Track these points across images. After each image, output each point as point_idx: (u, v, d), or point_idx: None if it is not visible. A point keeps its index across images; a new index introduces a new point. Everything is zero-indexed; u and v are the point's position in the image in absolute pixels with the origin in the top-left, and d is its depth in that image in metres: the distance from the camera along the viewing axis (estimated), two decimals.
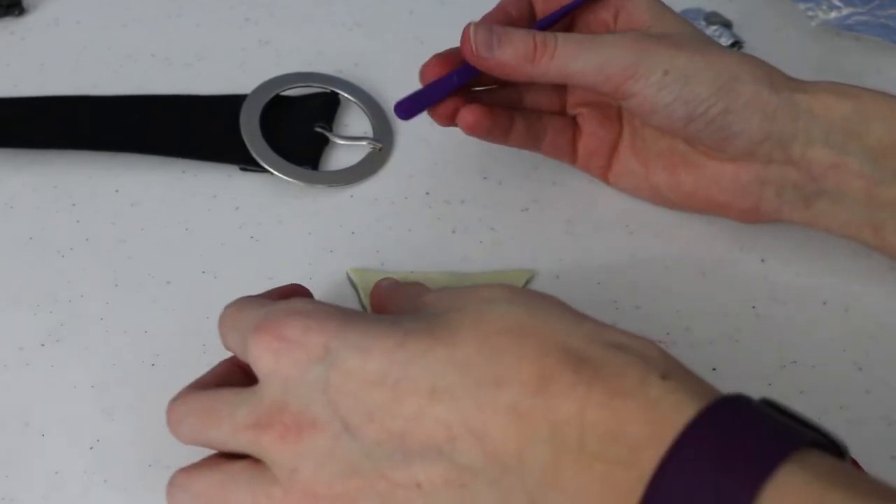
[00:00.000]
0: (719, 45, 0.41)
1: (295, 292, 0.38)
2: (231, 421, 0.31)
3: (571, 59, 0.39)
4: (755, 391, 0.40)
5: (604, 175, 0.45)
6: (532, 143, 0.44)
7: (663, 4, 0.42)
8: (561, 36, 0.39)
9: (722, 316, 0.43)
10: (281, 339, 0.30)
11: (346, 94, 0.49)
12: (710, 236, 0.45)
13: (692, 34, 0.41)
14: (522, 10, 0.43)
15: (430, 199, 0.46)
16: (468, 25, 0.40)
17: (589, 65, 0.39)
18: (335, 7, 0.54)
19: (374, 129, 0.49)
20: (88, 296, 0.42)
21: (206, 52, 0.51)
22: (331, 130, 0.48)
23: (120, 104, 0.48)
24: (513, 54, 0.39)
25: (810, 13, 0.53)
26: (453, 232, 0.45)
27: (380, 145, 0.48)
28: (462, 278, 0.42)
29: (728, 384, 0.41)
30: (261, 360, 0.31)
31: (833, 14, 0.53)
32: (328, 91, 0.49)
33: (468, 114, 0.41)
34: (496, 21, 0.41)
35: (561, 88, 0.45)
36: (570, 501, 0.27)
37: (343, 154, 0.48)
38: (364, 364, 0.29)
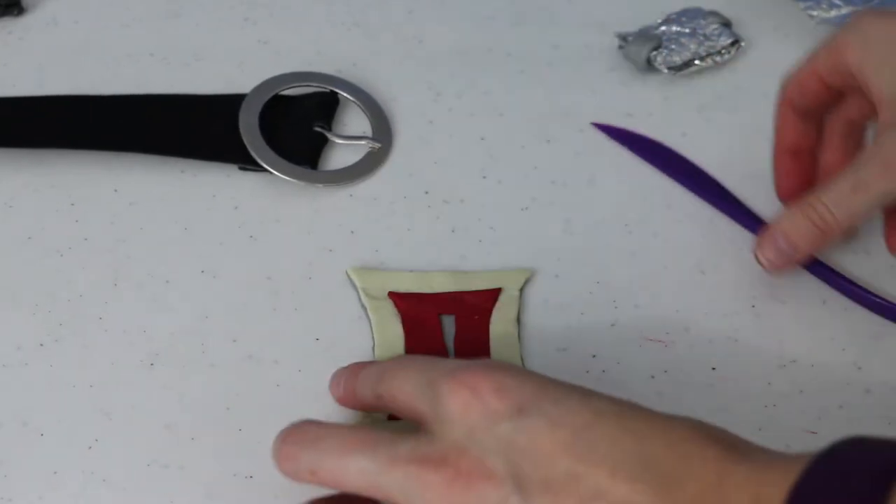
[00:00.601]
0: None
1: None
2: (390, 451, 0.30)
3: (854, 210, 0.39)
4: (755, 391, 0.41)
5: None
6: None
7: (884, 45, 0.39)
8: (826, 196, 0.39)
9: (721, 315, 0.43)
10: (476, 392, 0.30)
11: (345, 94, 0.49)
12: (710, 236, 0.45)
13: None
14: (807, 133, 0.44)
15: (429, 199, 0.46)
16: (755, 249, 0.42)
17: (871, 207, 0.39)
18: (334, 7, 0.54)
19: (373, 128, 0.48)
20: (87, 295, 0.42)
21: (205, 52, 0.51)
22: (330, 130, 0.48)
23: (119, 104, 0.48)
24: (807, 243, 0.40)
25: (810, 12, 0.53)
26: (453, 231, 0.45)
27: (379, 145, 0.48)
28: (462, 277, 0.42)
29: (728, 384, 0.41)
30: (450, 405, 0.30)
31: (833, 12, 0.52)
32: (327, 90, 0.49)
33: None
34: (790, 174, 0.44)
35: None
36: None
37: (342, 153, 0.48)
38: (552, 433, 0.29)
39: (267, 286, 0.43)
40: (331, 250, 0.44)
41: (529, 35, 0.53)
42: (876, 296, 0.43)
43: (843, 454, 0.28)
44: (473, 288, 0.42)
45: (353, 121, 0.49)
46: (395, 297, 0.41)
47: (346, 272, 0.42)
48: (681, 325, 0.42)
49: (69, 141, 0.46)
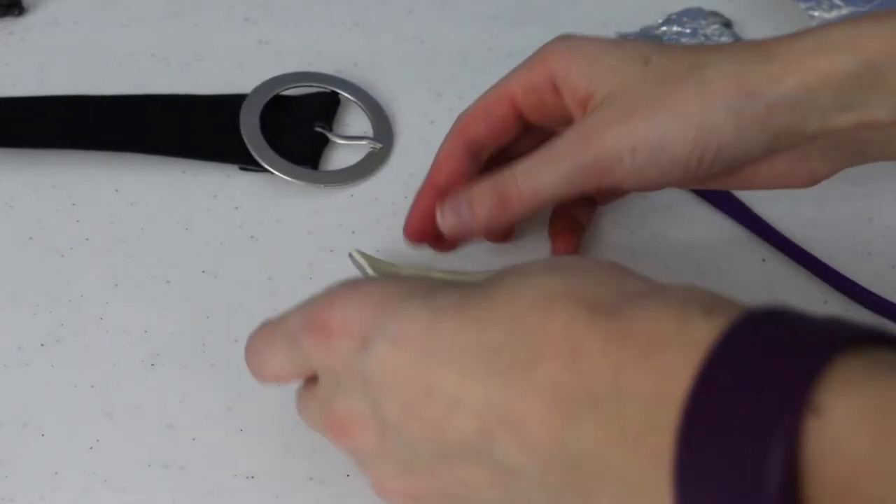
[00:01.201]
0: (669, 70, 0.35)
1: None
2: (309, 416, 0.34)
3: (538, 188, 0.36)
4: None
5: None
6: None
7: (592, 50, 0.37)
8: (517, 168, 0.37)
9: None
10: (327, 332, 0.30)
11: (345, 94, 0.49)
12: (710, 236, 0.45)
13: (636, 74, 0.35)
14: (468, 172, 0.40)
15: None
16: (436, 210, 0.39)
17: (558, 185, 0.36)
18: (335, 7, 0.54)
19: (373, 128, 0.49)
20: (88, 296, 0.42)
21: (206, 52, 0.51)
22: (331, 130, 0.48)
23: (120, 104, 0.48)
24: (486, 211, 0.37)
25: (811, 12, 0.53)
26: None
27: (380, 145, 0.48)
28: (462, 278, 0.42)
29: None
30: (313, 357, 0.31)
31: (834, 13, 0.52)
32: (328, 91, 0.49)
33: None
34: (421, 216, 0.41)
35: None
36: (627, 489, 0.24)
37: (343, 154, 0.48)
38: (396, 354, 0.28)
39: (267, 286, 0.43)
40: (331, 250, 0.44)
41: (530, 35, 0.53)
42: (876, 296, 0.43)
43: (764, 328, 0.23)
44: None
45: (354, 121, 0.49)
46: None
47: (351, 254, 0.40)
48: None
49: (70, 141, 0.46)
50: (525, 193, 0.36)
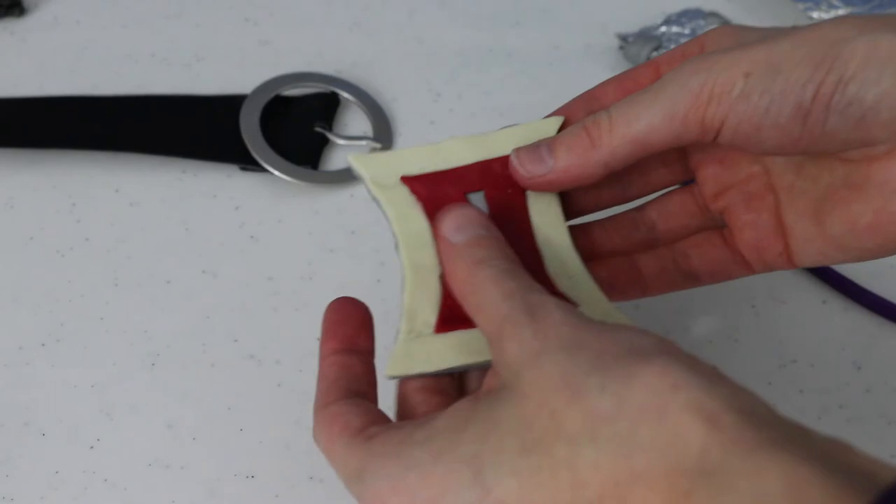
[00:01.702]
0: (815, 24, 0.31)
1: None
2: None
3: (633, 120, 0.31)
4: (755, 390, 0.41)
5: (788, 261, 0.34)
6: (680, 281, 0.35)
7: (752, 30, 0.33)
8: (613, 104, 0.32)
9: (721, 315, 0.43)
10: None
11: (345, 94, 0.49)
12: None
13: (777, 31, 0.32)
14: None
15: None
16: (511, 154, 0.33)
17: (656, 116, 0.30)
18: (334, 7, 0.54)
19: (373, 128, 0.49)
20: (88, 295, 0.42)
21: (206, 53, 0.51)
22: (331, 130, 0.48)
23: (119, 104, 0.48)
24: (567, 151, 0.32)
25: (810, 13, 0.53)
26: None
27: (379, 145, 0.48)
28: (481, 142, 0.35)
29: None
30: None
31: (832, 14, 0.53)
32: (328, 91, 0.49)
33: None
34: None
35: (687, 196, 0.36)
36: None
37: (343, 154, 0.48)
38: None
39: (268, 286, 0.43)
40: (331, 250, 0.44)
41: (530, 35, 0.53)
42: (876, 296, 0.43)
43: None
44: (499, 153, 0.34)
45: (354, 121, 0.49)
46: (409, 181, 0.34)
47: (349, 160, 0.35)
48: (681, 325, 0.42)
49: (70, 141, 0.46)
50: (617, 128, 0.31)
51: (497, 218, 0.32)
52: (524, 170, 0.32)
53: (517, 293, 0.27)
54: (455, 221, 0.30)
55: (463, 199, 0.33)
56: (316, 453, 0.38)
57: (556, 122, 0.35)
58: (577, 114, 0.35)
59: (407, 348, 0.31)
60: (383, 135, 0.48)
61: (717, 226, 0.35)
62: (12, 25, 0.52)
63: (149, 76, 0.50)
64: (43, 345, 0.40)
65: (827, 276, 0.44)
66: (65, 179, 0.46)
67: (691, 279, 0.35)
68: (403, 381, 0.31)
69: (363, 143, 0.48)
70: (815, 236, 0.33)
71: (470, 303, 0.28)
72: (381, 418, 0.29)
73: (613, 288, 0.34)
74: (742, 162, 0.34)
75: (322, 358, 0.31)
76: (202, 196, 0.46)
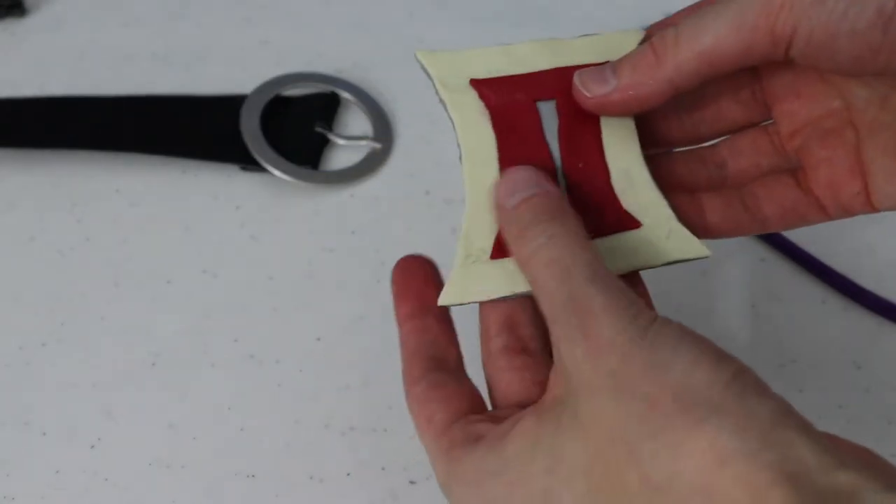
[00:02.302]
0: None
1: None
2: None
3: (700, 32, 0.29)
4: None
5: (867, 203, 0.32)
6: (747, 224, 0.33)
7: None
8: (682, 19, 0.30)
9: (721, 314, 0.43)
10: None
11: (346, 94, 0.49)
12: None
13: None
14: None
15: (430, 199, 0.46)
16: (574, 76, 0.31)
17: (722, 26, 0.29)
18: (335, 7, 0.54)
19: (374, 128, 0.49)
20: (89, 295, 0.42)
21: (207, 52, 0.51)
22: (331, 130, 0.48)
23: (121, 105, 0.48)
24: (632, 69, 0.30)
25: None
26: (453, 231, 0.45)
27: (380, 145, 0.48)
28: (560, 47, 0.33)
29: None
30: None
31: None
32: (328, 91, 0.49)
33: None
34: None
35: (762, 135, 0.33)
36: None
37: (343, 154, 0.48)
38: None
39: (268, 286, 0.43)
40: (331, 250, 0.44)
41: (530, 36, 0.53)
42: (876, 295, 0.43)
43: None
44: (577, 62, 0.32)
45: (355, 121, 0.49)
46: (478, 84, 0.32)
47: (416, 55, 0.33)
48: None
49: (71, 141, 0.46)
50: (683, 42, 0.29)
51: (567, 129, 0.31)
52: (587, 90, 0.31)
53: (566, 284, 0.26)
54: (507, 185, 0.29)
55: (533, 106, 0.32)
56: (316, 452, 0.38)
57: (637, 34, 0.33)
58: None
59: (462, 275, 0.30)
60: (384, 135, 0.48)
61: (792, 167, 0.33)
62: (13, 26, 0.52)
63: (149, 76, 0.50)
64: (43, 344, 0.40)
65: (827, 276, 0.44)
66: (65, 179, 0.46)
67: (759, 222, 0.33)
68: (485, 342, 0.31)
69: (363, 142, 0.48)
70: (894, 174, 0.31)
71: (525, 275, 0.28)
72: (464, 406, 0.29)
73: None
74: (822, 96, 0.32)
75: (399, 325, 0.31)
76: (202, 196, 0.46)
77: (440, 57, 0.32)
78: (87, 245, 0.44)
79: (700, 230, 0.33)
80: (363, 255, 0.44)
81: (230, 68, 0.50)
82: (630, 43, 0.32)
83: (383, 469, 0.38)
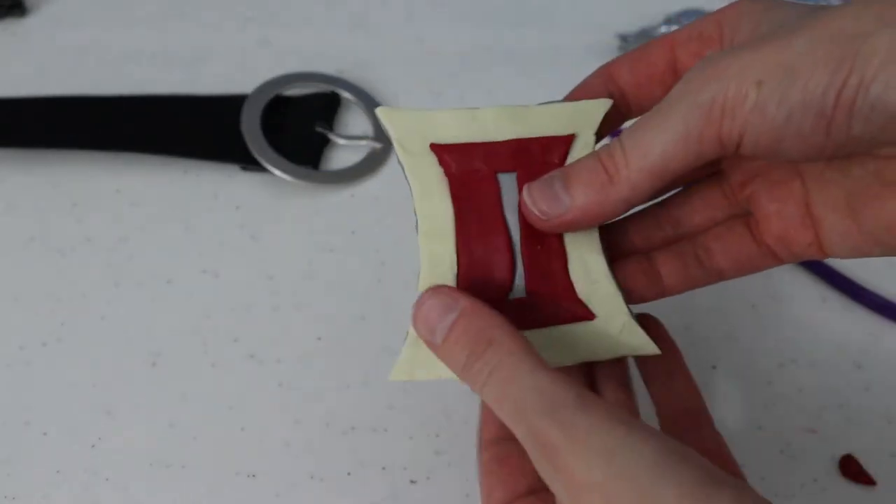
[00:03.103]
0: (832, 8, 0.28)
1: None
2: None
3: (648, 149, 0.28)
4: (755, 389, 0.41)
5: (820, 251, 0.32)
6: (702, 278, 0.33)
7: (775, 3, 0.30)
8: (625, 133, 0.29)
9: (721, 314, 0.43)
10: None
11: (346, 94, 0.49)
12: None
13: (793, 16, 0.29)
14: None
15: None
16: (523, 191, 0.31)
17: (669, 142, 0.28)
18: (335, 7, 0.54)
19: (374, 128, 0.49)
20: (89, 295, 0.42)
21: (207, 52, 0.51)
22: (332, 130, 0.48)
23: (121, 105, 0.48)
24: (586, 190, 0.29)
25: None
26: None
27: (380, 145, 0.48)
28: (522, 115, 0.32)
29: (728, 382, 0.41)
30: None
31: None
32: (329, 91, 0.49)
33: None
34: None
35: (713, 187, 0.34)
36: None
37: (344, 153, 0.48)
38: None
39: (268, 286, 0.43)
40: (331, 250, 0.44)
41: (530, 35, 0.53)
42: (875, 294, 0.43)
43: None
44: (542, 132, 0.31)
45: (355, 121, 0.49)
46: (439, 150, 0.31)
47: (377, 112, 0.32)
48: (681, 324, 0.42)
49: (71, 141, 0.46)
50: (633, 160, 0.29)
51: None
52: (538, 210, 0.30)
53: (521, 422, 0.25)
54: (422, 321, 0.29)
55: (493, 178, 0.31)
56: (316, 452, 0.38)
57: (604, 105, 0.32)
58: (597, 90, 0.33)
59: (413, 353, 0.29)
60: (384, 135, 0.48)
61: (745, 213, 0.33)
62: (13, 26, 0.52)
63: (150, 76, 0.50)
64: (44, 344, 0.40)
65: (827, 275, 0.44)
66: (66, 179, 0.46)
67: (714, 275, 0.33)
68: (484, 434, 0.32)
69: (363, 142, 0.48)
70: (848, 230, 0.31)
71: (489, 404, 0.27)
72: (521, 487, 0.30)
73: (632, 293, 0.33)
74: None
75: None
76: (203, 196, 0.46)
77: (402, 116, 0.31)
78: (88, 245, 0.44)
79: (656, 293, 0.33)
80: (363, 255, 0.44)
81: (230, 68, 0.50)
82: (597, 113, 0.32)
83: (383, 469, 0.38)
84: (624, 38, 0.52)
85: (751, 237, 0.33)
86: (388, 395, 0.40)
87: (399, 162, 0.31)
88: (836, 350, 0.42)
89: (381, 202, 0.46)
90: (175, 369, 0.40)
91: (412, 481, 0.37)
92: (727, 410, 0.40)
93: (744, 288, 0.44)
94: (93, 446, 0.38)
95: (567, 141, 0.31)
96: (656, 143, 0.28)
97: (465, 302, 0.28)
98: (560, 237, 0.31)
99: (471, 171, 0.31)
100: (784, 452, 0.39)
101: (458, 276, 0.30)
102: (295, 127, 0.48)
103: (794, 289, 0.44)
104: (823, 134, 0.27)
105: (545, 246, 0.30)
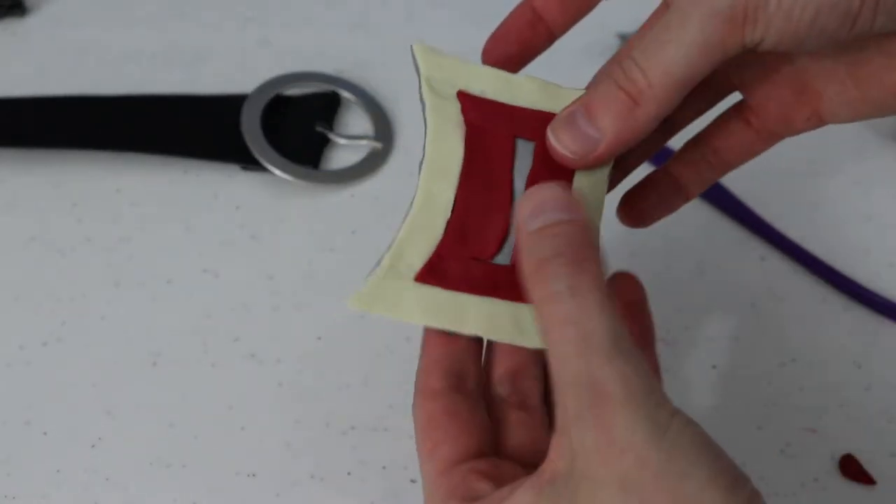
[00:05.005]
0: None
1: None
2: None
3: (670, 64, 0.27)
4: (755, 389, 0.41)
5: (818, 122, 0.32)
6: (715, 174, 0.34)
7: None
8: (635, 51, 0.28)
9: (722, 314, 0.43)
10: None
11: (346, 94, 0.49)
12: (710, 234, 0.46)
13: None
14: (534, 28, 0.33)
15: None
16: (548, 135, 0.30)
17: (692, 53, 0.27)
18: (335, 7, 0.54)
19: (374, 128, 0.49)
20: (89, 295, 0.42)
21: (207, 52, 0.51)
22: (332, 130, 0.48)
23: (121, 104, 0.48)
24: (614, 119, 0.28)
25: None
26: None
27: (380, 144, 0.48)
28: (555, 92, 0.31)
29: (728, 382, 0.41)
30: None
31: None
32: (329, 91, 0.49)
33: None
34: (509, 39, 0.33)
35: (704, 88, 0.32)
36: None
37: (344, 153, 0.48)
38: None
39: (268, 286, 0.43)
40: (332, 250, 0.44)
41: None
42: (875, 294, 0.43)
43: None
44: None
45: (355, 121, 0.49)
46: (465, 98, 0.30)
47: (412, 48, 0.32)
48: (681, 324, 0.42)
49: (71, 141, 0.46)
50: (654, 77, 0.27)
51: (539, 176, 0.29)
52: (570, 151, 0.29)
53: (584, 356, 0.24)
54: (533, 203, 0.26)
55: (511, 141, 0.30)
56: (316, 451, 0.38)
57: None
58: (517, 31, 0.33)
59: (379, 285, 0.28)
60: (384, 134, 0.48)
61: (734, 102, 0.33)
62: (13, 25, 0.52)
63: (150, 76, 0.50)
64: (44, 344, 0.40)
65: (827, 275, 0.44)
66: (66, 179, 0.46)
67: (723, 167, 0.34)
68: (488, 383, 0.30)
69: (364, 142, 0.48)
70: (851, 98, 0.31)
71: (537, 321, 0.26)
72: (472, 445, 0.28)
73: (660, 206, 0.34)
74: None
75: (427, 329, 0.30)
76: (203, 196, 0.46)
77: (436, 56, 0.31)
78: (88, 245, 0.44)
79: (683, 200, 0.34)
80: (363, 255, 0.44)
81: (230, 68, 0.50)
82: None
83: (384, 468, 0.38)
84: (624, 38, 0.52)
85: (748, 125, 0.33)
86: (388, 394, 0.40)
87: (421, 99, 0.30)
88: (836, 350, 0.42)
89: (381, 202, 0.46)
90: (175, 369, 0.40)
91: (412, 480, 0.37)
92: (727, 410, 0.40)
93: (744, 288, 0.44)
94: (93, 446, 0.38)
95: None
96: (678, 57, 0.27)
97: (581, 216, 0.26)
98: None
99: (492, 126, 0.30)
100: (784, 452, 0.39)
101: (449, 222, 0.29)
102: (295, 127, 0.48)
103: (794, 289, 0.44)
104: (848, 29, 0.27)
105: None
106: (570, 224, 0.26)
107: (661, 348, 0.42)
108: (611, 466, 0.23)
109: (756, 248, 0.45)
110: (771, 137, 0.33)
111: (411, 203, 0.29)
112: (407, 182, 0.47)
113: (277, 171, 0.45)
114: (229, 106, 0.48)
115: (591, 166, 0.29)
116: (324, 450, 0.38)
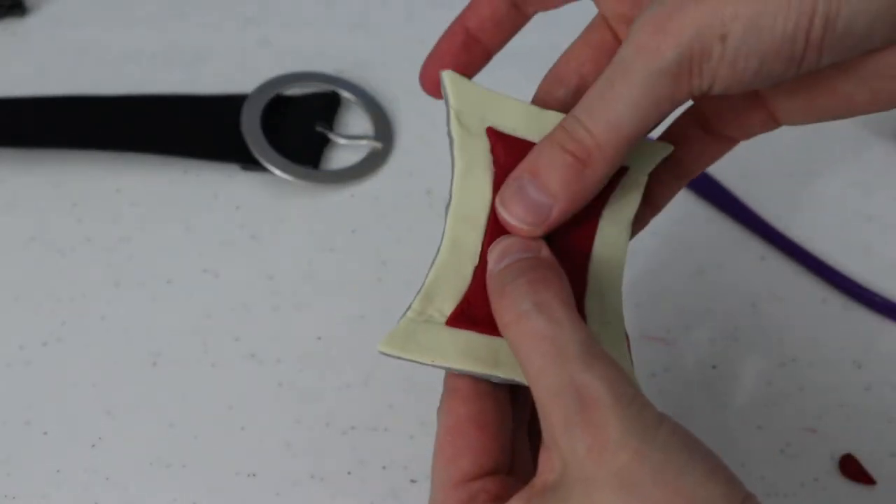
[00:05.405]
0: None
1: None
2: None
3: (617, 121, 0.27)
4: (755, 389, 0.41)
5: (775, 124, 0.32)
6: (680, 184, 0.34)
7: None
8: (578, 110, 0.28)
9: (722, 314, 0.43)
10: None
11: (346, 94, 0.49)
12: (710, 234, 0.46)
13: None
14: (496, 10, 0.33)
15: (430, 198, 0.46)
16: (497, 207, 0.29)
17: (639, 108, 0.27)
18: (335, 7, 0.54)
19: (374, 128, 0.49)
20: (89, 295, 0.42)
21: (207, 52, 0.51)
22: (332, 130, 0.48)
23: (121, 104, 0.48)
24: (565, 186, 0.28)
25: None
26: None
27: (380, 144, 0.48)
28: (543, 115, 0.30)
29: (728, 382, 0.41)
30: None
31: None
32: (329, 91, 0.49)
33: None
34: (444, 63, 0.32)
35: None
36: None
37: (344, 153, 0.48)
38: None
39: (268, 286, 0.43)
40: (332, 249, 0.44)
41: (529, 35, 0.53)
42: (875, 294, 0.43)
43: None
44: None
45: (355, 121, 0.49)
46: (494, 135, 0.29)
47: (441, 74, 0.30)
48: (681, 324, 0.43)
49: (71, 141, 0.46)
50: (602, 136, 0.27)
51: (566, 222, 0.28)
52: (523, 223, 0.28)
53: (562, 367, 0.24)
54: (499, 252, 0.27)
55: None
56: (316, 451, 0.38)
57: (665, 149, 0.31)
58: (453, 54, 0.33)
59: (410, 329, 0.28)
60: (384, 134, 0.48)
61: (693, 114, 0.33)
62: (13, 25, 0.52)
63: (150, 76, 0.50)
64: (44, 344, 0.40)
65: (827, 275, 0.44)
66: (66, 179, 0.46)
67: (687, 176, 0.33)
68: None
69: (364, 142, 0.48)
70: (801, 107, 0.30)
71: (509, 345, 0.26)
72: (490, 464, 0.28)
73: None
74: None
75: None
76: (203, 196, 0.46)
77: (466, 87, 0.30)
78: (88, 245, 0.44)
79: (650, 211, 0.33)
80: (363, 255, 0.44)
81: (230, 68, 0.50)
82: (656, 155, 0.31)
83: (384, 468, 0.38)
84: None
85: (706, 132, 0.32)
86: (388, 394, 0.40)
87: (449, 133, 0.29)
88: (836, 350, 0.42)
89: (381, 202, 0.46)
90: (175, 369, 0.40)
91: (412, 480, 0.37)
92: (727, 410, 0.40)
93: (744, 288, 0.44)
94: (93, 446, 0.38)
95: (619, 172, 0.30)
96: (626, 115, 0.27)
97: (545, 252, 0.27)
98: (586, 266, 0.30)
99: None
100: (784, 452, 0.39)
101: (477, 268, 0.28)
102: (295, 127, 0.48)
103: (794, 289, 0.44)
104: (794, 71, 0.27)
105: (569, 269, 0.28)
106: (532, 259, 0.27)
107: (661, 348, 0.42)
108: (606, 466, 0.23)
109: (756, 248, 0.45)
110: (730, 141, 0.33)
111: (438, 248, 0.29)
112: (407, 182, 0.47)
113: (277, 171, 0.45)
114: (229, 106, 0.48)
115: (544, 234, 0.28)
116: (324, 450, 0.38)
